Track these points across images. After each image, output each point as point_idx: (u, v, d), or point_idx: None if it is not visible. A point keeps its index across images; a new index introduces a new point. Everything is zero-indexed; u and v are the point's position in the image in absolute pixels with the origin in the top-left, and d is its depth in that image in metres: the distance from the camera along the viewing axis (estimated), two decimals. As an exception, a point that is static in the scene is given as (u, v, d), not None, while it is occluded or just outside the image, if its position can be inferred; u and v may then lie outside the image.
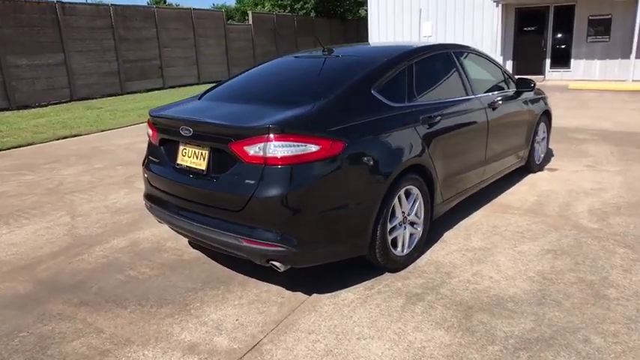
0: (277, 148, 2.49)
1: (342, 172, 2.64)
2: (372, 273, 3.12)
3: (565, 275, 3.02)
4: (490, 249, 3.44)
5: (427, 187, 3.25)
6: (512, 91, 4.50)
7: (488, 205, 4.34)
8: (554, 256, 3.29)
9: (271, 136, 2.49)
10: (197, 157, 2.84)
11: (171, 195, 3.06)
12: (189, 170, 2.90)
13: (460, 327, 2.53)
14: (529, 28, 14.85)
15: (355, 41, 29.42)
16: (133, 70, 15.84)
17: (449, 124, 3.45)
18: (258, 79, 3.62)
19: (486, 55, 4.46)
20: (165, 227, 4.12)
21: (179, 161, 2.97)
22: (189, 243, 3.79)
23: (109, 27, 15.00)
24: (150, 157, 3.28)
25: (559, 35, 14.30)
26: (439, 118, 3.33)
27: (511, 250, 3.41)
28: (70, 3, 14.07)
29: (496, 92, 4.26)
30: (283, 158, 2.49)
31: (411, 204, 3.16)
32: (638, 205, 4.16)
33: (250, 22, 21.10)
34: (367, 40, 28.67)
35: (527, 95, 4.71)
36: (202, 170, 2.81)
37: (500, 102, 4.18)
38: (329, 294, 2.92)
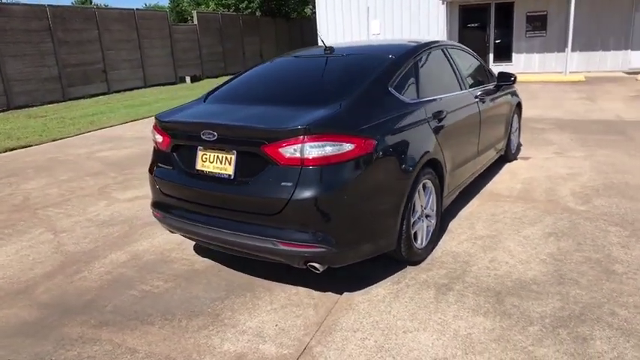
0: (314, 149, 2.48)
1: (374, 169, 2.67)
2: (394, 268, 3.18)
3: (572, 255, 3.23)
4: (496, 236, 3.61)
5: (438, 180, 3.35)
6: (493, 84, 4.72)
7: (479, 194, 4.54)
8: (556, 238, 3.50)
9: (307, 136, 2.47)
10: (221, 162, 2.76)
11: (190, 202, 2.95)
12: (212, 176, 2.81)
13: (496, 312, 2.65)
14: (473, 25, 15.59)
15: (300, 40, 29.42)
16: (75, 75, 14.94)
17: (452, 119, 3.57)
18: (266, 80, 3.57)
19: (469, 50, 4.66)
20: (164, 237, 3.97)
21: (199, 167, 2.87)
22: (196, 251, 3.67)
23: (46, 29, 14.05)
24: (160, 164, 3.14)
25: (500, 31, 15.12)
26: (445, 112, 3.45)
27: (516, 235, 3.60)
28: (1, 3, 13.02)
29: (482, 86, 4.46)
30: (320, 158, 2.48)
31: (427, 197, 3.25)
32: (612, 187, 4.52)
33: (195, 22, 20.55)
34: (313, 39, 28.80)
35: (506, 88, 4.96)
36: (229, 175, 2.73)
37: (487, 95, 4.39)
38: (359, 291, 2.95)
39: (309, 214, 2.53)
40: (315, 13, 30.44)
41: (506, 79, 4.71)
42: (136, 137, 8.69)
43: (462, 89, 3.98)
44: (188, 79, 19.62)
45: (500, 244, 3.46)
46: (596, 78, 12.96)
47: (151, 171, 3.24)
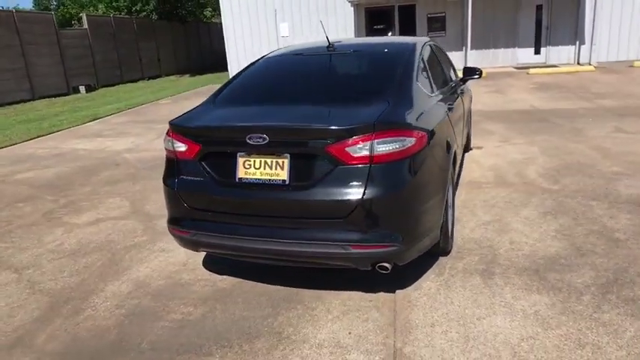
0: (382, 145, 2.43)
1: (428, 162, 2.69)
2: (427, 261, 3.20)
3: (575, 230, 3.56)
4: (501, 220, 3.84)
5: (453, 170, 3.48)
6: (460, 77, 5.00)
7: (460, 184, 4.78)
8: (553, 216, 3.83)
9: (376, 133, 2.42)
10: (272, 167, 2.56)
11: (232, 215, 2.70)
12: (259, 184, 2.60)
13: (546, 288, 2.82)
14: (379, 27, 16.34)
15: (197, 44, 28.33)
16: (-53, 88, 12.75)
17: (455, 110, 3.73)
18: (283, 79, 3.38)
19: (440, 46, 4.88)
20: (161, 259, 3.60)
21: (242, 175, 2.63)
22: (207, 269, 3.38)
23: None
24: (183, 175, 2.81)
25: (405, 32, 16.05)
26: (452, 105, 3.59)
27: (517, 217, 3.86)
28: None
29: (455, 80, 4.71)
30: (390, 154, 2.44)
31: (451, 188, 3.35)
32: (569, 167, 5.06)
33: (85, 26, 18.75)
34: (214, 43, 27.89)
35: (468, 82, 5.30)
36: (283, 181, 2.55)
37: (462, 88, 4.65)
38: (410, 287, 2.95)
39: (381, 213, 2.48)
40: (214, 16, 29.57)
41: (473, 73, 5.00)
42: (55, 155, 7.69)
43: (449, 83, 4.17)
44: (82, 88, 17.84)
45: (509, 227, 3.69)
46: (494, 73, 14.38)
47: (169, 184, 2.90)
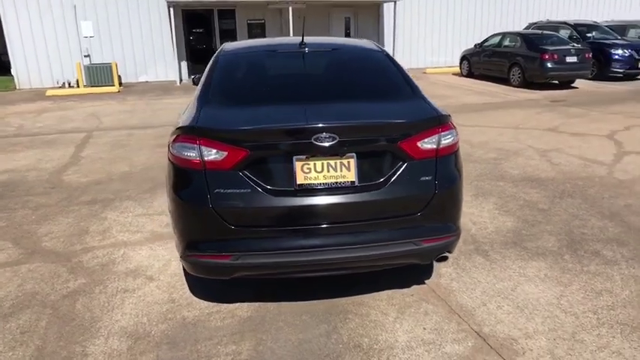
0: (444, 138, 2.53)
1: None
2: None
3: (509, 206, 4.24)
4: (448, 205, 4.28)
5: None
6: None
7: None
8: (484, 197, 4.47)
9: (442, 126, 2.52)
10: (337, 169, 2.36)
11: (291, 226, 2.37)
12: (322, 188, 2.36)
13: (534, 254, 3.33)
14: (198, 30, 15.78)
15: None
16: None
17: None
18: (282, 75, 3.07)
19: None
20: (133, 300, 2.99)
21: (301, 181, 2.34)
22: (210, 299, 2.88)
23: None
24: (218, 189, 2.32)
25: (226, 37, 15.87)
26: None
27: (458, 201, 4.37)
28: None
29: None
30: (448, 147, 2.55)
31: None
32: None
33: None
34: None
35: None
36: (351, 182, 2.37)
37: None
38: (433, 276, 3.09)
39: (448, 204, 2.57)
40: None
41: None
42: None
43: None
44: None
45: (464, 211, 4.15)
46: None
47: (194, 201, 2.36)
